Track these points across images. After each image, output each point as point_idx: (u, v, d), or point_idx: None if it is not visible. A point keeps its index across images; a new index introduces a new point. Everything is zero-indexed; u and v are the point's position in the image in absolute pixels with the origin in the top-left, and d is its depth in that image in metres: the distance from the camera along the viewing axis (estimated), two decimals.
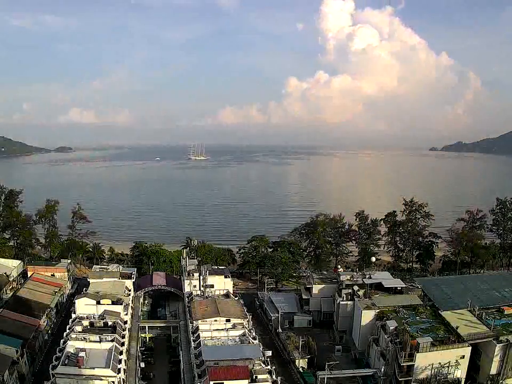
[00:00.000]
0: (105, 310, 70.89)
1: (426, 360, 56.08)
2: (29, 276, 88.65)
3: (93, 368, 54.16)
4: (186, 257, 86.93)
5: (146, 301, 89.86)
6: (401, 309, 67.52)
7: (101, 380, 53.23)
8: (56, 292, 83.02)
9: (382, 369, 59.56)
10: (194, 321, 68.63)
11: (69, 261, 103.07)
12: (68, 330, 65.35)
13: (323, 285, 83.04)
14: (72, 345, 59.15)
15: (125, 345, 63.64)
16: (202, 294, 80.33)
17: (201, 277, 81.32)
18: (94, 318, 69.17)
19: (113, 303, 73.10)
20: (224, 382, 51.37)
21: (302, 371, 63.93)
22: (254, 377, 53.03)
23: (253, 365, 55.12)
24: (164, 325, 78.27)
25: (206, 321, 68.79)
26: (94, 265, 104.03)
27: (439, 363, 56.17)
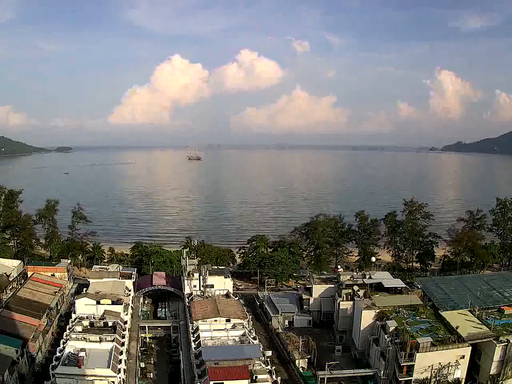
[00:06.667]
0: (105, 310, 70.93)
1: (426, 360, 56.02)
2: (29, 276, 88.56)
3: (93, 368, 54.24)
4: (186, 257, 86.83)
5: (146, 301, 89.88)
6: (401, 309, 67.44)
7: (101, 380, 53.32)
8: (56, 292, 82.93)
9: (382, 370, 59.58)
10: (194, 321, 68.65)
11: (69, 261, 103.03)
12: (68, 331, 65.47)
13: (323, 285, 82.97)
14: (72, 345, 59.26)
15: (125, 345, 63.73)
16: (202, 294, 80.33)
17: (201, 277, 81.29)
18: (94, 318, 69.22)
19: (113, 303, 73.18)
20: (224, 382, 51.36)
21: (302, 371, 63.89)
22: (254, 377, 53.09)
23: (253, 365, 55.19)
24: (164, 325, 78.16)
25: (206, 321, 68.86)
26: (94, 265, 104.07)
27: (439, 363, 56.13)
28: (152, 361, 68.89)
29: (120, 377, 54.77)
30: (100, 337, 62.43)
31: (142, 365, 65.73)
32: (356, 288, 74.12)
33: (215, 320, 69.40)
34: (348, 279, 77.99)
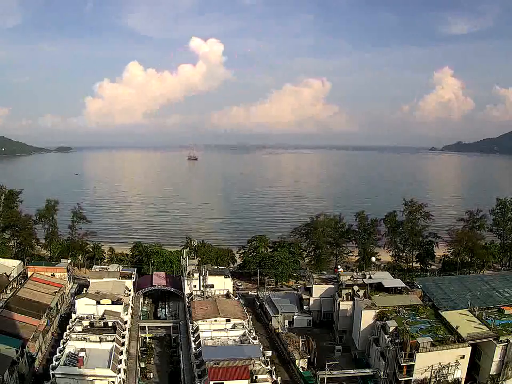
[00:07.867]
0: (105, 310, 70.92)
1: (426, 360, 56.03)
2: (29, 276, 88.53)
3: (93, 368, 54.25)
4: (186, 257, 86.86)
5: (146, 301, 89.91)
6: (401, 309, 67.45)
7: (101, 380, 53.31)
8: (56, 292, 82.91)
9: (382, 370, 59.57)
10: (194, 321, 68.65)
11: (69, 261, 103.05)
12: (68, 331, 65.45)
13: (323, 285, 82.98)
14: (72, 345, 59.26)
15: (125, 345, 63.70)
16: (202, 294, 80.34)
17: (201, 277, 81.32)
18: (94, 318, 69.21)
19: (113, 303, 73.17)
20: (224, 382, 51.39)
21: (302, 371, 63.87)
22: (254, 377, 53.08)
23: (253, 365, 55.17)
24: (164, 325, 78.19)
25: (206, 321, 68.85)
26: (94, 265, 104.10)
27: (439, 363, 56.14)
28: (152, 361, 68.90)
29: (120, 377, 54.74)
30: (100, 337, 62.40)
31: (142, 365, 65.73)
32: (356, 288, 74.11)
33: (215, 320, 69.38)
34: (348, 279, 78.02)
